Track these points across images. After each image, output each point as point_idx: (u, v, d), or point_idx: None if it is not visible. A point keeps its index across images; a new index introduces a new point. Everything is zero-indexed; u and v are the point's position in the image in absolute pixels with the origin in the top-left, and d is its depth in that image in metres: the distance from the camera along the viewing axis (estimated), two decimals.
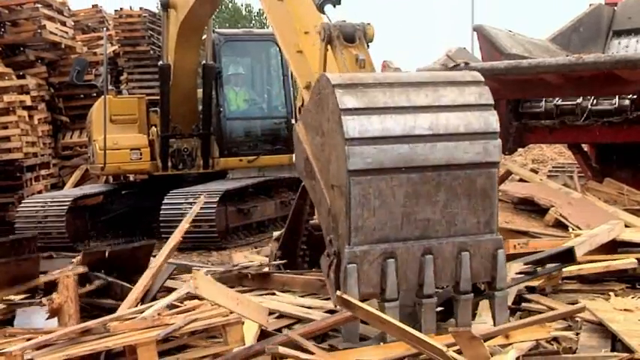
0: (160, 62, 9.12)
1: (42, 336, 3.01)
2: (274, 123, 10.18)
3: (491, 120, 3.62)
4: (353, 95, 3.44)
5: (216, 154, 9.81)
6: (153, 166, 9.62)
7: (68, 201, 8.94)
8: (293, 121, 10.08)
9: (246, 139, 9.99)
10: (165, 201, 8.62)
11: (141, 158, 9.49)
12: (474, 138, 3.57)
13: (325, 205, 3.65)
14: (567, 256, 4.50)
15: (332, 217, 3.59)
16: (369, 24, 4.36)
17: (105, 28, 11.98)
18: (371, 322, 3.24)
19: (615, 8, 9.01)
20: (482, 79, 3.72)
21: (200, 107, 9.60)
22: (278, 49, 10.21)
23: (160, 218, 8.51)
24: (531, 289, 4.57)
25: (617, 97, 7.32)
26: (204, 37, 9.23)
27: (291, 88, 10.34)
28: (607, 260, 4.77)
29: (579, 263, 4.71)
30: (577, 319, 3.79)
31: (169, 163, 9.63)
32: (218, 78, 9.67)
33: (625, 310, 3.67)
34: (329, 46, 4.29)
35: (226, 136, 9.80)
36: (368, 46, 4.33)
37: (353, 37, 4.27)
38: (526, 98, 7.87)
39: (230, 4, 34.34)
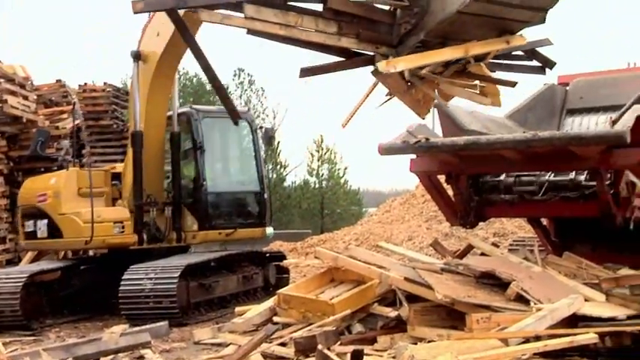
0: (132, 129, 9.27)
1: None
2: (249, 197, 10.51)
3: None
4: None
5: (195, 228, 9.76)
6: (135, 238, 9.38)
7: (24, 277, 8.67)
8: (265, 195, 10.46)
9: (225, 213, 10.15)
10: (125, 276, 8.44)
11: (123, 232, 9.28)
12: None
13: None
14: None
15: None
16: None
17: (74, 101, 12.04)
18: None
19: (567, 88, 9.33)
20: None
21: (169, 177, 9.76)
22: (249, 127, 10.54)
23: (119, 294, 8.32)
24: None
25: (573, 172, 7.49)
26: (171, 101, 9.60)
27: (263, 165, 10.75)
28: (569, 335, 4.78)
29: (541, 338, 4.71)
30: None
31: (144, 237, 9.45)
32: (200, 153, 9.81)
33: None
34: None
35: (208, 210, 9.84)
36: None
37: None
38: (485, 173, 8.02)
39: (195, 79, 34.69)
